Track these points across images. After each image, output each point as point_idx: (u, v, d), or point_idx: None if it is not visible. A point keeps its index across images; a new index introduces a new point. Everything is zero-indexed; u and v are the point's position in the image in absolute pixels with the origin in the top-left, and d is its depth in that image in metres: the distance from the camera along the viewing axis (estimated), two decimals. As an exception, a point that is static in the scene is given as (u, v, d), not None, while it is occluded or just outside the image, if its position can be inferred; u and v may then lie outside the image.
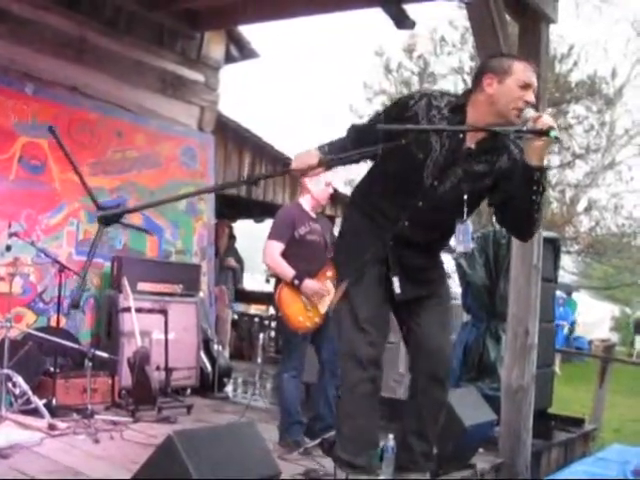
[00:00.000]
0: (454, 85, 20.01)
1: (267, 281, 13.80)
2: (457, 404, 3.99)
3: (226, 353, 7.87)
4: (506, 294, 4.93)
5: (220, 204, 7.70)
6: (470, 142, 2.92)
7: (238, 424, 3.23)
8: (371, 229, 3.14)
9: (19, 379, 4.78)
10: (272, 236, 4.47)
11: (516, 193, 2.81)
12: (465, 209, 2.91)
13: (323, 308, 4.41)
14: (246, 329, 10.66)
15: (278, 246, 4.43)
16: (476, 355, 5.49)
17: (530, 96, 2.80)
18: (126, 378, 5.58)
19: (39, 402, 4.79)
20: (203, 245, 7.43)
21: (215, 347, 6.72)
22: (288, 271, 4.38)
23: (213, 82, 7.98)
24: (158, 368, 5.50)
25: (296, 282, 4.35)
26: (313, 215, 4.62)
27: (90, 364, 5.00)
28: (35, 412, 4.76)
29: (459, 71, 19.82)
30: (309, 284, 4.38)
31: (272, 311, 10.93)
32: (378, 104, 20.58)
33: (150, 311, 5.81)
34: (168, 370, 5.69)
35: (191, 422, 5.26)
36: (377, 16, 6.26)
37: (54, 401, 5.03)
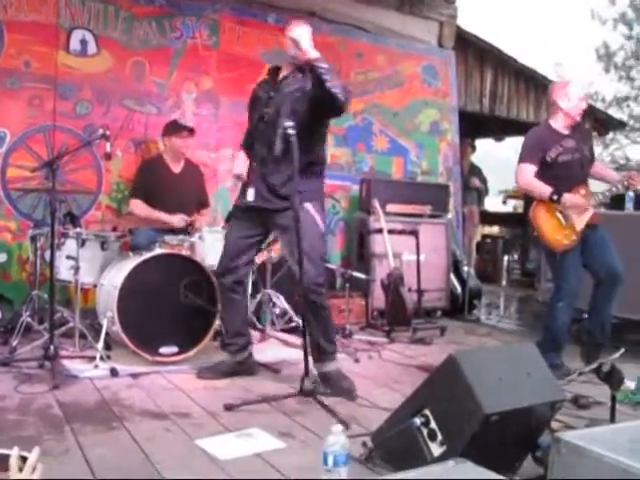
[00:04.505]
0: None
1: (504, 202, 13.39)
2: None
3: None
4: None
5: (461, 122, 7.42)
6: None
7: (518, 345, 3.07)
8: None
9: (281, 299, 4.99)
10: (523, 159, 4.42)
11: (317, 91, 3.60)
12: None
13: (579, 225, 4.27)
14: (490, 251, 10.45)
15: (531, 168, 4.35)
16: None
17: None
18: (378, 299, 5.64)
19: (300, 321, 4.96)
20: (448, 165, 7.24)
21: (465, 269, 6.59)
22: (545, 189, 4.29)
23: (450, -6, 7.62)
24: (410, 290, 5.47)
25: (554, 197, 4.25)
26: (566, 132, 4.43)
27: (347, 285, 5.08)
28: (295, 330, 4.95)
29: None
30: (568, 197, 4.25)
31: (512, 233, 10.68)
32: (623, 5, 18.69)
33: (401, 232, 5.78)
34: (420, 292, 5.66)
35: (445, 343, 5.22)
36: None
37: (312, 321, 5.20)
